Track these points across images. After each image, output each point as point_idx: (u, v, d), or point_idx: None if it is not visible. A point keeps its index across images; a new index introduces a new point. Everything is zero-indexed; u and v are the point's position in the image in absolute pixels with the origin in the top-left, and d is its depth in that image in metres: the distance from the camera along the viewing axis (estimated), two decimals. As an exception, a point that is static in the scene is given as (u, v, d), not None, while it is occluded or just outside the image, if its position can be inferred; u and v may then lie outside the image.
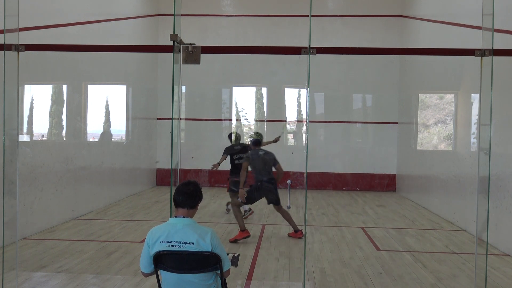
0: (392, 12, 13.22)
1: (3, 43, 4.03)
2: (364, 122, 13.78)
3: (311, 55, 4.00)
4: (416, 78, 11.83)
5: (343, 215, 9.44)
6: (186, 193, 2.93)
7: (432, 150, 10.63)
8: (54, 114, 8.11)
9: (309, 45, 3.99)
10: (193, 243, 2.82)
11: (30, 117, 7.31)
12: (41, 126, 7.81)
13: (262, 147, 7.49)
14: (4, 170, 4.29)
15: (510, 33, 6.21)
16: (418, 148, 11.50)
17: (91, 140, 9.86)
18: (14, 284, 4.62)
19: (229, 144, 8.61)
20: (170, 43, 3.92)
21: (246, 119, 13.73)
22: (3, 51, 4.03)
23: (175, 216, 2.95)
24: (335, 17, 13.29)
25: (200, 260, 2.85)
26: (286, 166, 13.12)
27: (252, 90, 13.91)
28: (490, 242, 6.48)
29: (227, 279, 3.08)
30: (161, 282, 2.97)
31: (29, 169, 6.92)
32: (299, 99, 13.65)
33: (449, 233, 7.84)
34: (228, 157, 8.27)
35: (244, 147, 8.20)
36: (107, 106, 10.42)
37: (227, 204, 8.99)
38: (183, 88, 13.00)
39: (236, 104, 13.69)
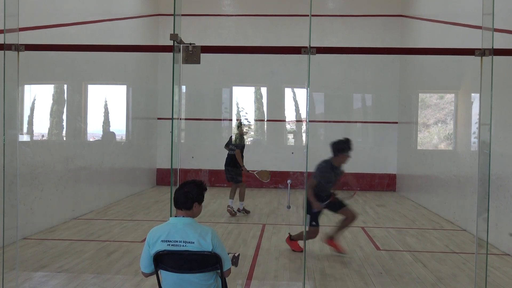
0: (392, 12, 13.22)
1: (3, 43, 4.03)
2: (364, 122, 13.77)
3: (311, 55, 4.00)
4: (416, 78, 11.82)
5: (343, 215, 9.41)
6: (181, 195, 2.94)
7: (432, 150, 10.63)
8: (54, 114, 8.11)
9: (309, 45, 3.99)
10: (193, 242, 2.83)
11: (30, 117, 7.31)
12: (41, 126, 7.81)
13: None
14: (4, 170, 4.29)
15: (510, 32, 6.21)
16: (418, 147, 11.49)
17: (91, 140, 9.86)
18: (14, 284, 4.62)
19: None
20: (170, 43, 3.92)
21: (246, 119, 13.72)
22: (3, 51, 4.03)
23: (176, 216, 2.96)
24: (335, 17, 13.28)
25: (200, 260, 2.85)
26: (286, 166, 13.28)
27: (252, 90, 13.90)
28: (490, 242, 6.47)
29: (227, 279, 3.08)
30: (161, 282, 2.97)
31: (29, 169, 6.91)
32: (299, 98, 13.64)
33: (449, 233, 7.84)
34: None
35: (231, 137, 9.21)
36: (107, 106, 10.42)
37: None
38: (183, 88, 13.00)
39: (236, 104, 13.69)
